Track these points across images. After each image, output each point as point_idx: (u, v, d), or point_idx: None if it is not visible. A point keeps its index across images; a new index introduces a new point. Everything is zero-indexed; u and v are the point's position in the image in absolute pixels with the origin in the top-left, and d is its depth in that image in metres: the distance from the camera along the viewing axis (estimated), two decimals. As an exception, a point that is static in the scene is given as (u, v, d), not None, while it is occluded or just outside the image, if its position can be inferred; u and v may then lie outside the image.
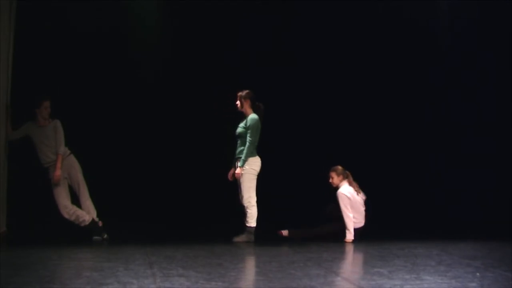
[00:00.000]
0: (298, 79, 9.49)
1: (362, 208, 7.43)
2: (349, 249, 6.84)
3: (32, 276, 4.79)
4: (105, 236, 7.29)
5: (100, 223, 7.32)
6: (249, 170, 7.23)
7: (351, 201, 7.33)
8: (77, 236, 7.20)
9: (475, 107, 9.48)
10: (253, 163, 7.26)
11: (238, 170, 7.24)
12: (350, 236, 7.27)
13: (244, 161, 7.21)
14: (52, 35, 8.70)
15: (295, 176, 9.13)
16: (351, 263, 6.08)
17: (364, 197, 7.48)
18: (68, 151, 7.32)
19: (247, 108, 7.37)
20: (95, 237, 7.24)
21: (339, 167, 7.51)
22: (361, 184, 7.48)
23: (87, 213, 7.26)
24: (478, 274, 4.98)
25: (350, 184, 7.45)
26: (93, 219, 7.27)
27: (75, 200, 7.33)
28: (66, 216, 7.24)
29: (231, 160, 7.44)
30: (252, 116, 7.31)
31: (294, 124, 9.41)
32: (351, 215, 7.29)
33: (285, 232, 7.48)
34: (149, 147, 9.20)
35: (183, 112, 9.30)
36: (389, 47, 9.53)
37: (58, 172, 7.17)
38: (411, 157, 9.58)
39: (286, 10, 9.49)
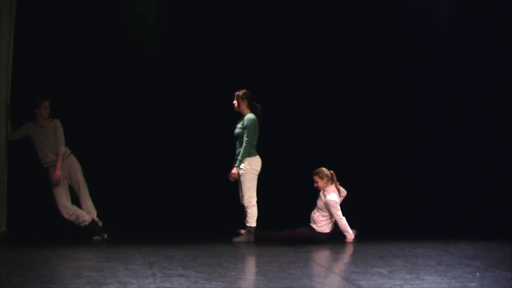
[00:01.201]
0: (298, 79, 9.48)
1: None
2: (349, 249, 6.84)
3: (32, 276, 4.80)
4: (105, 236, 7.30)
5: (100, 223, 7.33)
6: (250, 170, 7.22)
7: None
8: (77, 236, 7.21)
9: (475, 107, 9.47)
10: (254, 163, 7.26)
11: (234, 170, 7.22)
12: (350, 236, 7.26)
13: (240, 161, 7.20)
14: (52, 35, 8.70)
15: (295, 176, 9.12)
16: (351, 263, 6.08)
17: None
18: (68, 151, 7.33)
19: (244, 108, 7.37)
20: (95, 237, 7.25)
21: (323, 169, 7.37)
22: (361, 184, 7.47)
23: (87, 213, 7.27)
24: (478, 274, 4.98)
25: (335, 185, 7.35)
26: (93, 219, 7.28)
27: (75, 200, 7.34)
28: (66, 216, 7.24)
29: (231, 161, 7.43)
30: (249, 116, 7.30)
31: (294, 124, 9.39)
32: (343, 218, 7.28)
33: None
34: (149, 147, 9.19)
35: (183, 112, 9.28)
36: (388, 47, 9.51)
37: (58, 172, 7.17)
38: (411, 157, 9.57)
39: (286, 10, 9.48)
